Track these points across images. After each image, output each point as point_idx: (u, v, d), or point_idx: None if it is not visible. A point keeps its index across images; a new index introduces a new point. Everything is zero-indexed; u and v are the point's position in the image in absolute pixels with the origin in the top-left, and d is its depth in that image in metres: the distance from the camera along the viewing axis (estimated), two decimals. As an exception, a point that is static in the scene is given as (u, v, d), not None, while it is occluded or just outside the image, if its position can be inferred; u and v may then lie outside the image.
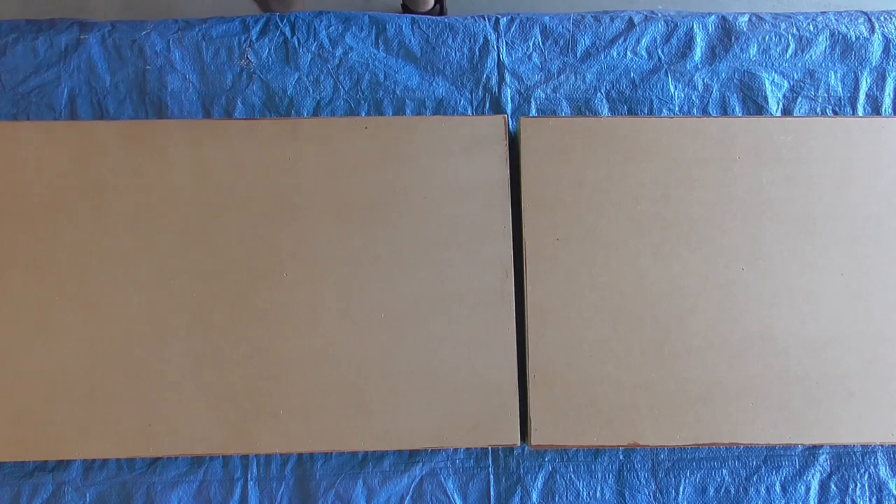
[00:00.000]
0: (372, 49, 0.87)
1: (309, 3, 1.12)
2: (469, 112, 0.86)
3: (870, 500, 0.80)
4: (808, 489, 0.80)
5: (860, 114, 0.87)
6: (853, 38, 0.88)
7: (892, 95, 0.87)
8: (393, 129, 0.80)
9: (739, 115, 0.86)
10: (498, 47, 0.87)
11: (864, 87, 0.87)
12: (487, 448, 0.79)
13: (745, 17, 0.89)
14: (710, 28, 0.88)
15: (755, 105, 0.87)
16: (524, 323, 0.77)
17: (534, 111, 0.86)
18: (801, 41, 0.88)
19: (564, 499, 0.79)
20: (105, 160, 0.79)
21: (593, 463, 0.80)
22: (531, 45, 0.88)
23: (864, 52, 0.88)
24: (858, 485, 0.80)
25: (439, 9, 1.39)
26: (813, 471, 0.81)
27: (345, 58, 0.87)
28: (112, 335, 0.76)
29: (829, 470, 0.81)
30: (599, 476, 0.80)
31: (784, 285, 0.78)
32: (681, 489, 0.80)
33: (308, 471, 0.79)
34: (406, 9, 1.38)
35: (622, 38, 0.88)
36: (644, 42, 0.88)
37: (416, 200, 0.79)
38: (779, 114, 0.87)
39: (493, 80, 0.87)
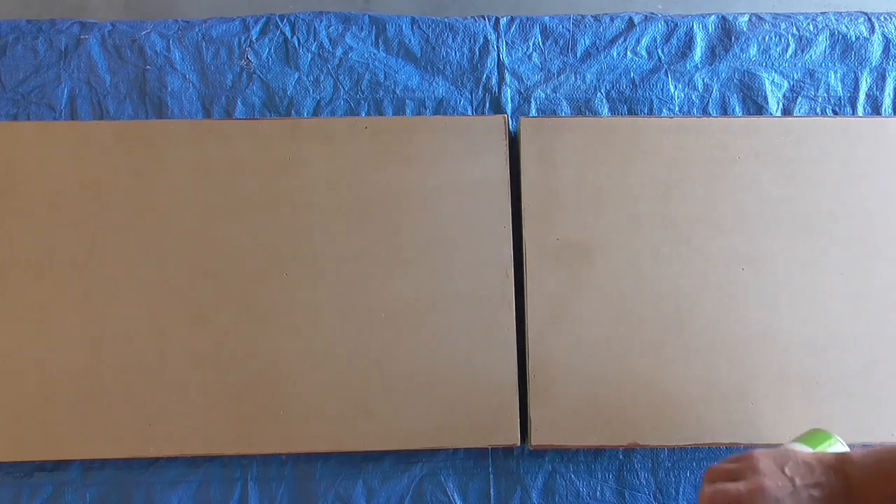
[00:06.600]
0: (372, 49, 0.87)
1: (309, 3, 1.12)
2: (469, 112, 0.86)
3: (870, 500, 0.80)
4: (808, 489, 0.80)
5: (860, 114, 0.87)
6: (853, 38, 0.88)
7: (892, 95, 0.87)
8: (393, 129, 0.80)
9: (739, 115, 0.86)
10: (498, 47, 0.87)
11: (864, 87, 0.87)
12: (487, 448, 0.79)
13: (745, 17, 0.89)
14: (710, 28, 0.88)
15: (755, 105, 0.87)
16: (524, 323, 0.77)
17: (534, 111, 0.86)
18: (801, 41, 0.88)
19: (564, 499, 0.79)
20: (105, 160, 0.79)
21: (593, 463, 0.80)
22: (531, 45, 0.88)
23: (864, 52, 0.88)
24: (858, 485, 0.80)
25: None
26: (813, 471, 0.81)
27: (345, 58, 0.87)
28: (112, 335, 0.76)
29: (829, 470, 0.81)
30: (599, 476, 0.80)
31: (784, 285, 0.78)
32: (681, 489, 0.80)
33: (308, 471, 0.79)
34: None
35: (622, 38, 0.88)
36: (644, 42, 0.88)
37: (416, 200, 0.79)
38: (779, 114, 0.87)
39: (493, 80, 0.87)
